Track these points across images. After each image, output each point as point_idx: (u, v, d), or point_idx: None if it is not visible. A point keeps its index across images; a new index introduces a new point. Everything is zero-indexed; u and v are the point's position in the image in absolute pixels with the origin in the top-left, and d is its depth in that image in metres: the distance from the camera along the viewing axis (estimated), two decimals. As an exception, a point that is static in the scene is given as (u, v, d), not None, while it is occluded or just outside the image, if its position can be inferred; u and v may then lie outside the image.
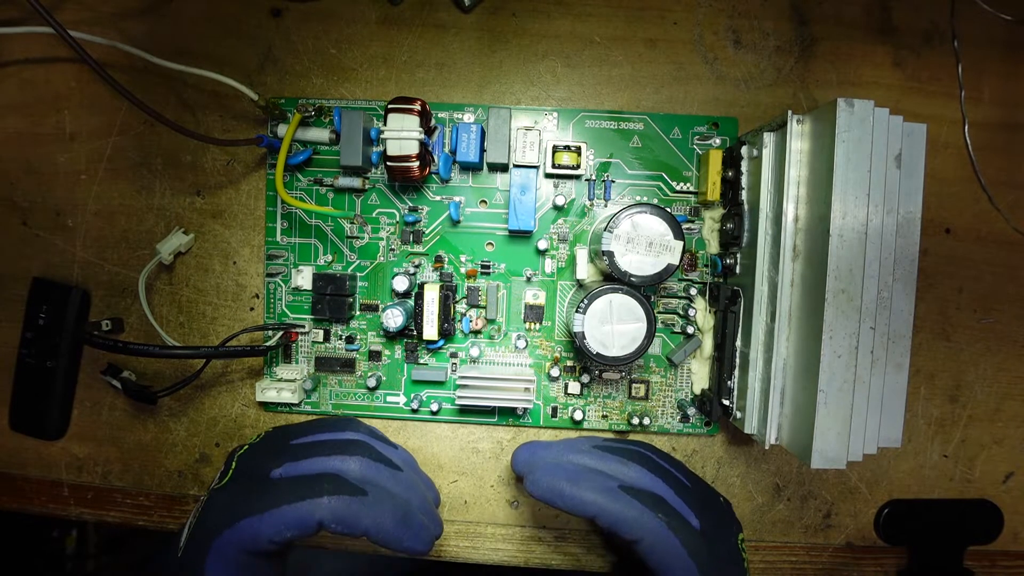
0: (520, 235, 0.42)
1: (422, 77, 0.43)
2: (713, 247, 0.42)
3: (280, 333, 0.42)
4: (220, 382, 0.44)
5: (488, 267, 0.43)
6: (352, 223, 0.43)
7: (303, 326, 0.43)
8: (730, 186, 0.39)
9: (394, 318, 0.40)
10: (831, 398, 0.31)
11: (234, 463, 0.33)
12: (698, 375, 0.43)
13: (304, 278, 0.43)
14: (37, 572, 0.90)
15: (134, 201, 0.44)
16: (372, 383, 0.43)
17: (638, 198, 0.43)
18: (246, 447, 0.34)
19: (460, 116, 0.42)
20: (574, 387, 0.43)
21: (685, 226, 0.42)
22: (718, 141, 0.42)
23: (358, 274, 0.43)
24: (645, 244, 0.36)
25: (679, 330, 0.43)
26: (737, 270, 0.39)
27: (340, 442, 0.34)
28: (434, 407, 0.43)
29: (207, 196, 0.44)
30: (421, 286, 0.41)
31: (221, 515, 0.30)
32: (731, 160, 0.39)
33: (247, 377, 0.44)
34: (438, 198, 0.43)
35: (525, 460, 0.37)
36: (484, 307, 0.43)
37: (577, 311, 0.36)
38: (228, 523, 0.29)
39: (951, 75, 0.39)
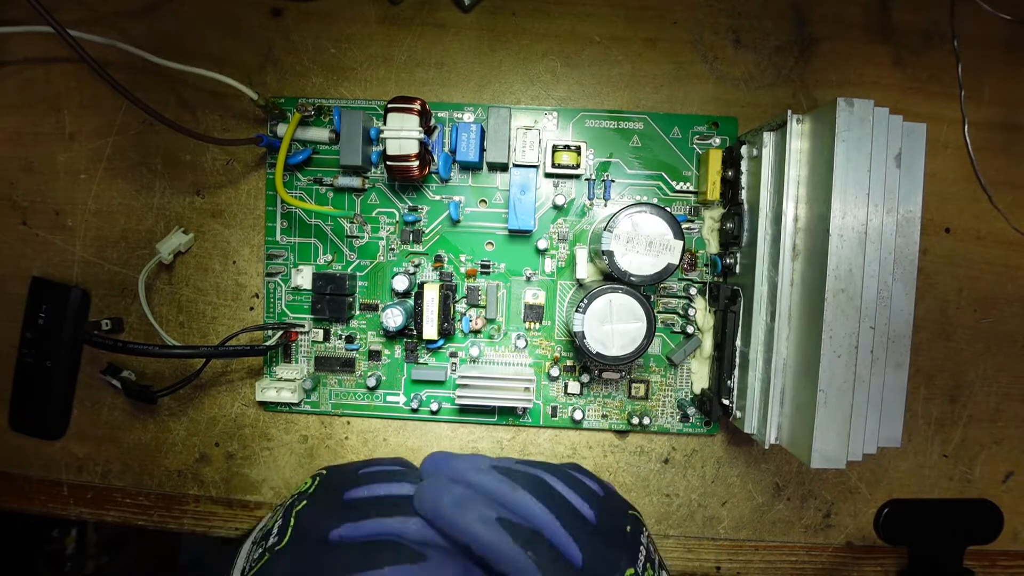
0: (520, 235, 0.42)
1: (422, 76, 0.43)
2: (713, 247, 0.42)
3: (280, 333, 0.42)
4: (220, 382, 0.44)
5: (488, 267, 0.43)
6: (352, 223, 0.43)
7: (303, 326, 0.43)
8: (730, 186, 0.39)
9: (394, 318, 0.40)
10: (831, 398, 0.31)
11: (292, 520, 0.33)
12: (698, 375, 0.43)
13: (304, 278, 0.43)
14: (37, 572, 0.90)
15: (134, 201, 0.44)
16: (372, 383, 0.43)
17: (638, 198, 0.43)
18: (304, 503, 0.34)
19: (460, 116, 0.42)
20: (574, 387, 0.43)
21: (685, 226, 0.42)
22: (718, 141, 0.42)
23: (358, 274, 0.43)
24: (645, 244, 0.36)
25: (679, 330, 0.43)
26: (737, 270, 0.39)
27: (398, 499, 0.34)
28: (434, 407, 0.43)
29: (207, 196, 0.44)
30: (421, 286, 0.41)
31: None
32: (731, 160, 0.39)
33: (247, 377, 0.44)
34: (438, 198, 0.43)
35: (427, 470, 0.36)
36: (484, 307, 0.43)
37: (577, 311, 0.36)
38: None
39: (951, 75, 0.39)
